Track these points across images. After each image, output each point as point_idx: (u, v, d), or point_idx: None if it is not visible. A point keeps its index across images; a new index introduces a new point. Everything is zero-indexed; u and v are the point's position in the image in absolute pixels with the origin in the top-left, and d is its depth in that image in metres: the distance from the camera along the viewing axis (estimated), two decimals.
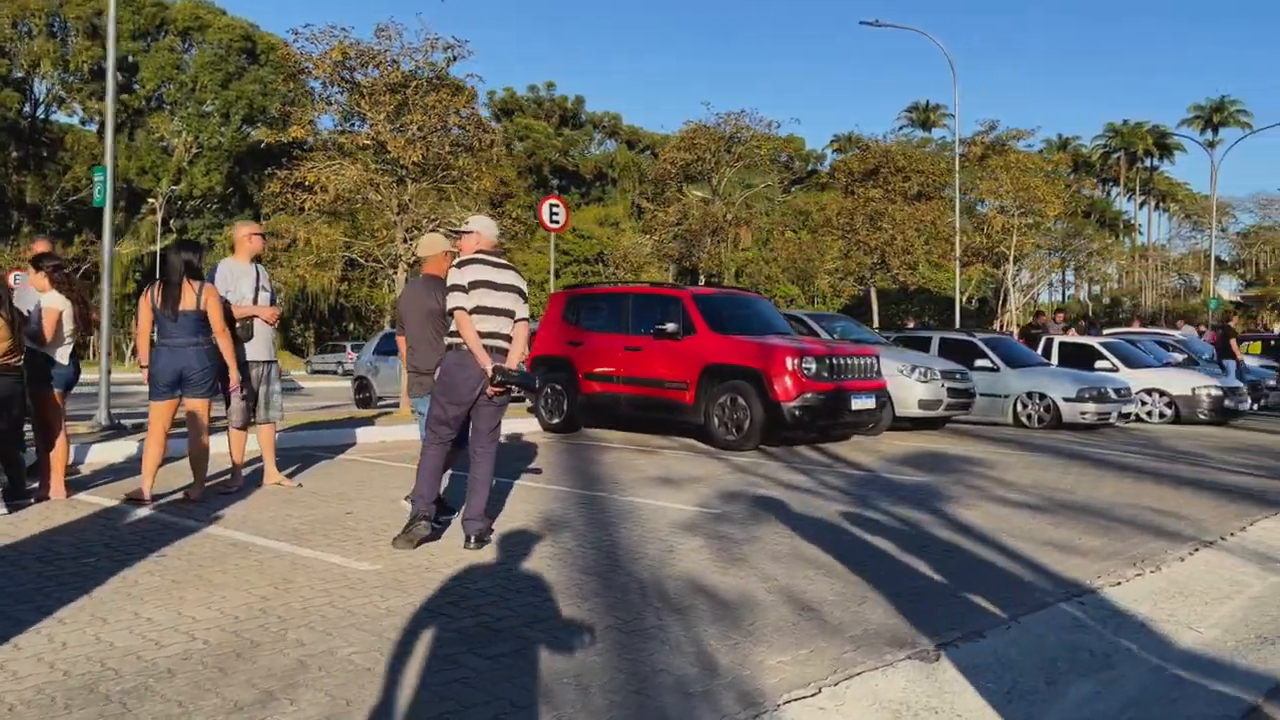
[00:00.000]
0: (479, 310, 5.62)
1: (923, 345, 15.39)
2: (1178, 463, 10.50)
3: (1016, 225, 29.78)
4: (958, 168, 26.10)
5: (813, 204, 56.06)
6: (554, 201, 15.38)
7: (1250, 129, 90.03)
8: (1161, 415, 15.74)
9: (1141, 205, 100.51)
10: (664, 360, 11.47)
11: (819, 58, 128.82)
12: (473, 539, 5.67)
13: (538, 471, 9.05)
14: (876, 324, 36.35)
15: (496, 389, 5.72)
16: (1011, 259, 30.39)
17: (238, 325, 7.35)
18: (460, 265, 5.75)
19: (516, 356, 5.82)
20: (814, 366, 10.68)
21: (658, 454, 10.51)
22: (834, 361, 10.92)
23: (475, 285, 5.65)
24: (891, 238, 29.51)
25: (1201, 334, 23.97)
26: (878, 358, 11.58)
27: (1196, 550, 6.13)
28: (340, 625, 4.15)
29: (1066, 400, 14.05)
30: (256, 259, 7.64)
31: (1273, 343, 23.47)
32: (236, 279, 7.43)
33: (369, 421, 12.67)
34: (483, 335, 5.63)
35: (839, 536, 6.25)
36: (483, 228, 5.95)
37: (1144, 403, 15.90)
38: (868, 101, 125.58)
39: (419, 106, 15.03)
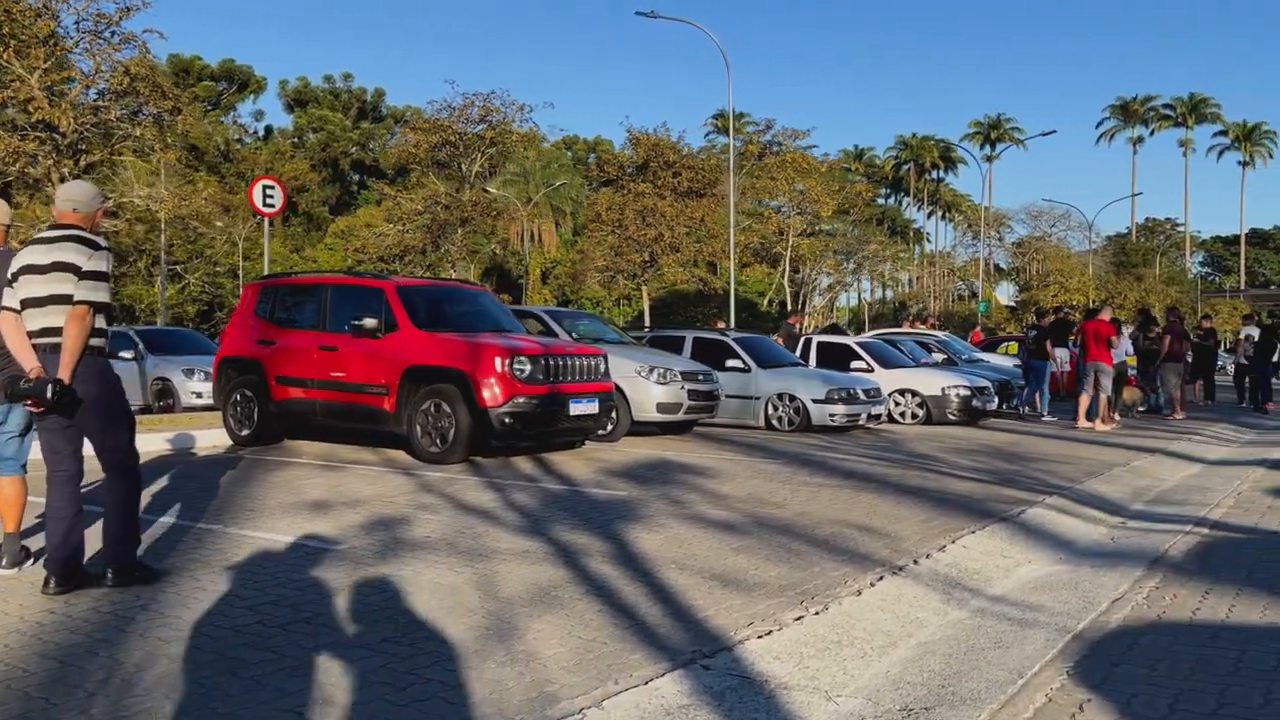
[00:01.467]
0: (27, 304, 4.57)
1: (676, 345, 14.56)
2: (910, 468, 9.93)
3: (793, 224, 29.69)
4: (734, 165, 25.73)
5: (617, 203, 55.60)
6: (268, 183, 13.58)
7: (1024, 145, 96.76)
8: (914, 416, 15.54)
9: (930, 215, 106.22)
10: (362, 361, 10.00)
11: (632, 63, 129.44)
12: (50, 581, 4.67)
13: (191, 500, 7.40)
14: (648, 324, 35.87)
15: (32, 403, 4.55)
16: (788, 259, 30.32)
17: None
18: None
19: (68, 355, 4.49)
20: (527, 368, 9.48)
21: (342, 471, 9.03)
22: (551, 362, 9.76)
23: (20, 274, 4.59)
24: (659, 234, 28.75)
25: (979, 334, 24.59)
26: (604, 358, 10.51)
27: (881, 579, 5.27)
28: None
29: (815, 402, 13.50)
30: None
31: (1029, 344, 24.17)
32: None
33: None
34: (33, 335, 4.56)
35: (465, 582, 5.02)
36: (74, 197, 4.79)
37: (897, 403, 15.66)
38: (682, 112, 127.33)
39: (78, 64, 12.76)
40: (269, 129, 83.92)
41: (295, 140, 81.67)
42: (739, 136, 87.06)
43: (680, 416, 11.95)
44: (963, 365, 19.73)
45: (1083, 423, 15.34)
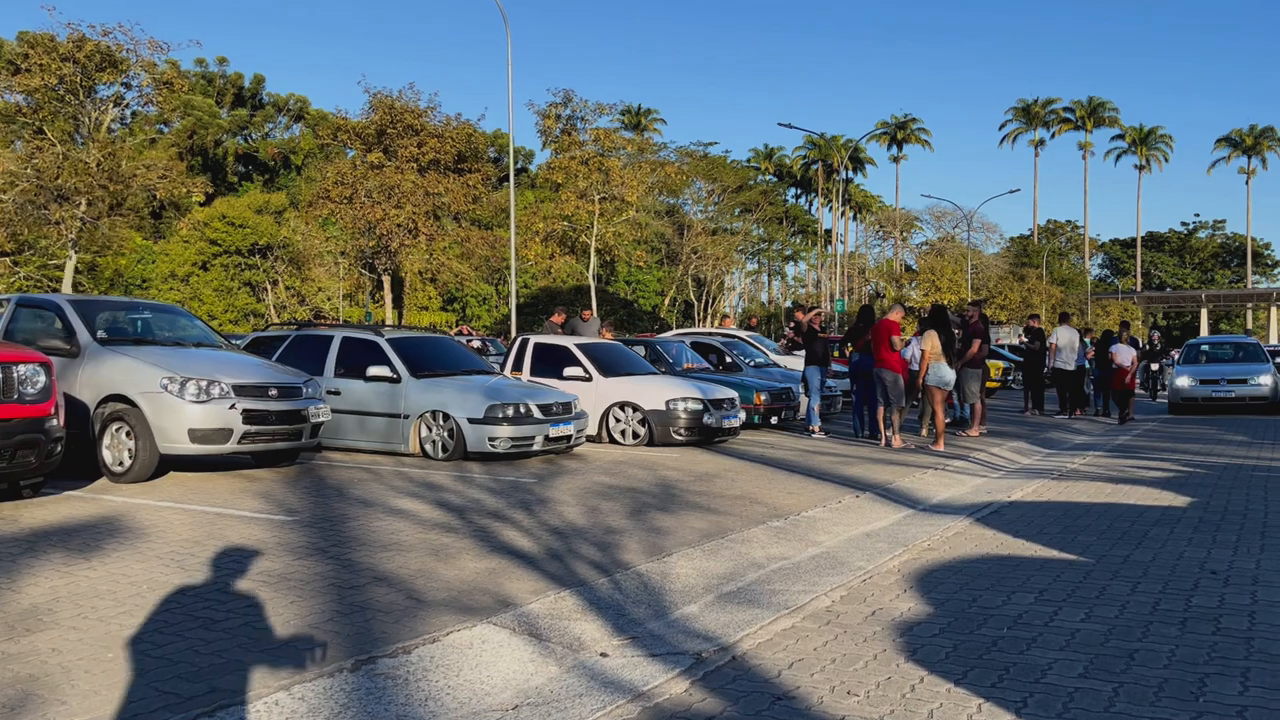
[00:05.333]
0: None
1: (321, 350, 11.43)
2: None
3: (597, 210, 26.59)
4: (513, 147, 22.53)
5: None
6: None
7: (929, 146, 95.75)
8: (635, 435, 12.60)
9: (841, 215, 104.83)
10: None
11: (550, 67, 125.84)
12: None
13: None
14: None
15: None
16: (593, 249, 27.23)
17: None
18: None
19: None
20: None
21: None
22: None
23: None
24: (384, 213, 25.06)
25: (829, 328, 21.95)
26: (40, 366, 7.25)
27: None
28: None
29: (472, 422, 10.46)
30: None
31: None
32: None
33: None
34: None
35: None
36: None
37: (617, 419, 12.72)
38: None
39: None
40: (135, 114, 78.59)
41: (160, 126, 76.47)
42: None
43: (231, 447, 8.75)
44: (748, 371, 17.04)
45: (896, 441, 12.81)
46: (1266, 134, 79.26)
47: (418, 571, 5.61)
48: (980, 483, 10.12)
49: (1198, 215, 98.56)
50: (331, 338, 11.64)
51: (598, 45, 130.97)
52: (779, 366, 17.91)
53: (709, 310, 68.55)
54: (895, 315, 13.57)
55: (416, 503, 7.90)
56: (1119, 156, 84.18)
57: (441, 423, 10.68)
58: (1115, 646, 4.34)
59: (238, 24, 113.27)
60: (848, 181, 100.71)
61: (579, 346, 13.33)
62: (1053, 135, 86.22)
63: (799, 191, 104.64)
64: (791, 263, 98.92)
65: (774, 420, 15.14)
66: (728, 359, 17.33)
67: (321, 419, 9.65)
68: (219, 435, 8.65)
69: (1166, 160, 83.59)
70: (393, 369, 10.99)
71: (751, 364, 17.47)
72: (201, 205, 72.38)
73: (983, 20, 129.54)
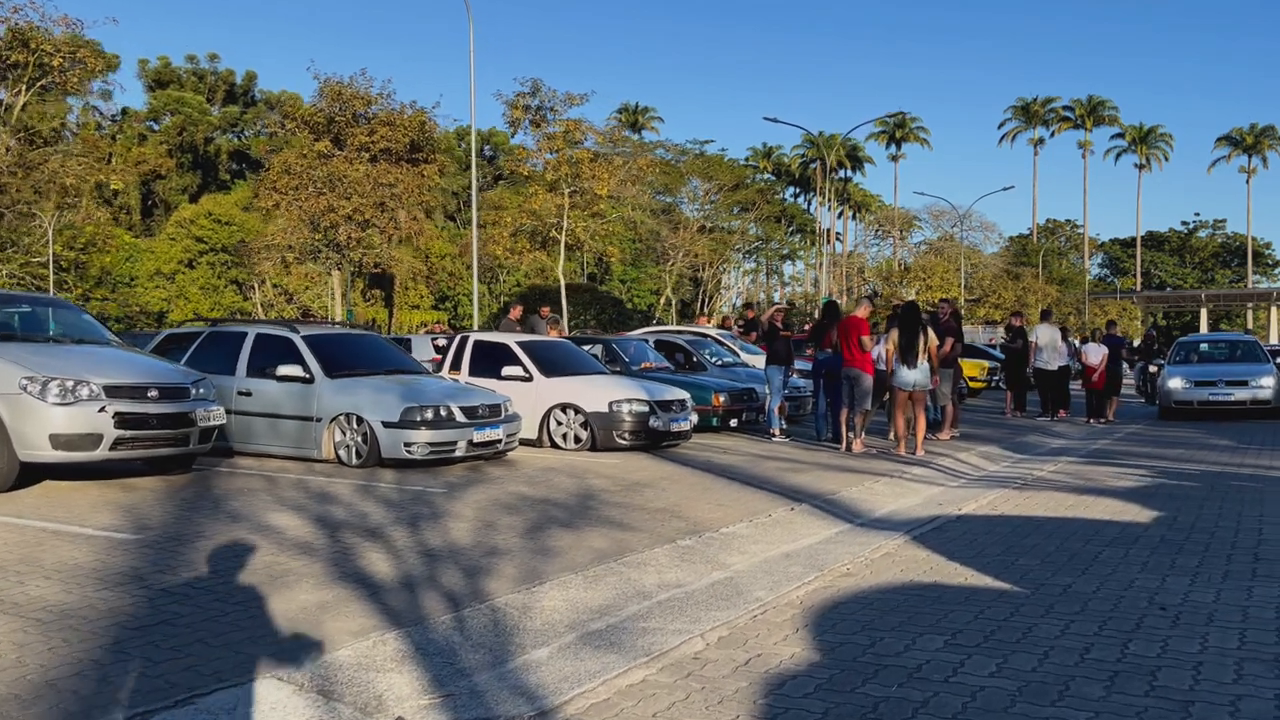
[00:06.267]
0: None
1: (234, 347, 10.65)
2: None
3: (567, 204, 25.67)
4: (474, 131, 21.61)
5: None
6: None
7: (928, 144, 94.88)
8: (577, 440, 11.79)
9: (840, 215, 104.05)
10: None
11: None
12: None
13: None
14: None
15: None
16: (563, 244, 26.28)
17: None
18: None
19: None
20: None
21: None
22: None
23: None
24: (329, 205, 24.03)
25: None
26: None
27: None
28: None
29: (387, 426, 9.65)
30: None
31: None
32: None
33: None
34: None
35: None
36: None
37: (559, 422, 11.91)
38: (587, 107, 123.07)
39: None
40: (124, 111, 77.97)
41: (150, 123, 75.84)
42: (650, 133, 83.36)
43: (102, 454, 7.94)
44: (713, 370, 16.23)
45: (858, 445, 12.05)
46: (1267, 133, 78.30)
47: (238, 604, 4.81)
48: (936, 492, 9.29)
49: (1198, 214, 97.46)
50: (245, 334, 10.84)
51: (597, 45, 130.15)
52: (747, 366, 17.10)
53: (705, 309, 67.76)
54: (862, 312, 12.76)
55: (293, 518, 7.10)
56: (1119, 155, 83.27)
57: (355, 426, 9.88)
58: (1021, 713, 3.52)
59: (230, 20, 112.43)
60: (846, 181, 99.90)
61: (520, 344, 12.52)
62: (1052, 134, 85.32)
63: (798, 191, 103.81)
64: (789, 262, 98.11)
65: (734, 423, 14.32)
66: (694, 359, 16.54)
67: (214, 423, 8.86)
68: (86, 441, 7.85)
69: (1166, 159, 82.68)
70: (305, 368, 10.19)
71: (718, 363, 16.65)
72: (190, 202, 71.60)
73: (982, 19, 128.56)
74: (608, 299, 56.42)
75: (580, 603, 5.12)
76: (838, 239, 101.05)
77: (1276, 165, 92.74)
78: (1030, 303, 47.42)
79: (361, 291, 68.62)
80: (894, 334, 11.92)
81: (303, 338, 10.53)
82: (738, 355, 17.80)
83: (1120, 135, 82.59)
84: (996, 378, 25.36)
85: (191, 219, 60.40)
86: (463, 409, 10.02)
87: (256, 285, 57.28)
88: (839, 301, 58.02)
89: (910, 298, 45.85)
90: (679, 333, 18.97)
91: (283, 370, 10.17)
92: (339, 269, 27.69)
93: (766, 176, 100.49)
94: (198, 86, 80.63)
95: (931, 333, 12.01)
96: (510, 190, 48.02)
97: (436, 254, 60.89)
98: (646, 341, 16.83)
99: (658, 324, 49.92)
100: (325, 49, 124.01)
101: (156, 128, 77.16)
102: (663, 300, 67.09)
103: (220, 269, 58.70)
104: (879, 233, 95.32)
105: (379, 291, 68.74)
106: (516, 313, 16.98)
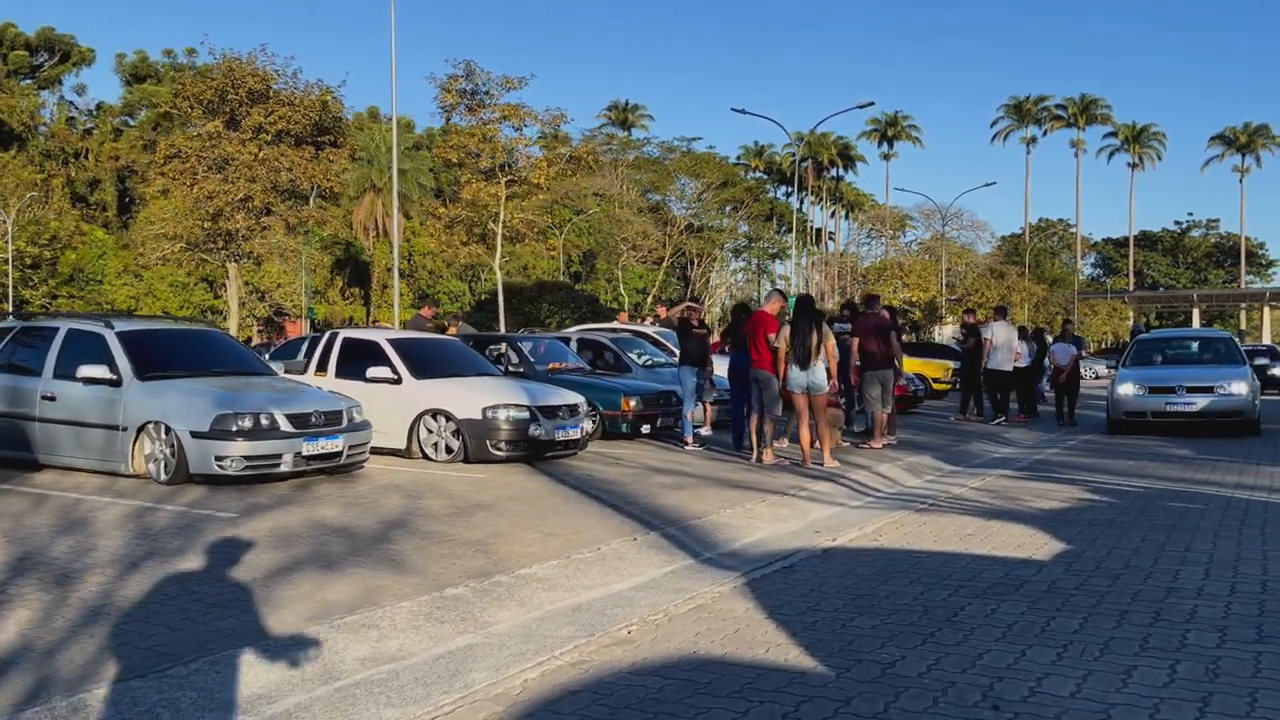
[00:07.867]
0: None
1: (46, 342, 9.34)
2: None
3: (503, 194, 24.31)
4: (396, 121, 20.25)
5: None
6: None
7: (920, 143, 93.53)
8: (449, 450, 10.45)
9: (832, 214, 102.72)
10: None
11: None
12: None
13: None
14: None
15: None
16: (500, 235, 24.85)
17: None
18: None
19: None
20: None
21: None
22: None
23: None
24: (216, 188, 22.44)
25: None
26: None
27: None
28: None
29: (197, 436, 8.33)
30: None
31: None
32: None
33: None
34: None
35: None
36: None
37: (429, 430, 10.58)
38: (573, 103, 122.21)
39: None
40: (100, 106, 76.76)
41: (125, 118, 74.58)
42: (639, 130, 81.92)
43: None
44: (636, 372, 14.91)
45: (768, 455, 10.76)
46: (1260, 132, 77.01)
47: None
48: (824, 515, 7.97)
49: (1191, 214, 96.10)
50: (56, 330, 9.51)
51: (596, 44, 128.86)
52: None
53: (637, 308, 66.53)
54: (771, 307, 11.45)
55: (3, 551, 5.79)
56: (1112, 154, 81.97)
57: (163, 436, 8.56)
58: None
59: (224, 16, 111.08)
60: (838, 180, 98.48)
61: (391, 342, 11.18)
62: (1045, 133, 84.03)
63: (789, 189, 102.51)
64: (779, 260, 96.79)
65: (646, 429, 12.98)
66: (621, 359, 15.21)
67: None
68: None
69: (1159, 158, 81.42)
70: (114, 368, 8.86)
71: (647, 364, 15.32)
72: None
73: (975, 18, 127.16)
74: (582, 297, 54.97)
75: (218, 695, 3.79)
76: (830, 238, 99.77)
77: (1270, 165, 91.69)
78: (1015, 301, 46.14)
79: (340, 289, 67.17)
80: (785, 331, 10.56)
81: (117, 334, 9.18)
82: (675, 355, 16.48)
83: (1113, 134, 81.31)
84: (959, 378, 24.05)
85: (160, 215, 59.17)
86: (289, 416, 8.69)
87: (226, 283, 56.01)
88: (814, 298, 56.62)
89: (891, 299, 44.61)
90: (617, 330, 17.65)
91: (86, 371, 8.84)
92: (235, 261, 26.27)
93: (758, 175, 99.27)
94: (174, 80, 79.33)
95: (829, 331, 10.68)
96: (449, 178, 46.18)
97: (419, 251, 59.67)
98: (567, 341, 15.53)
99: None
100: (325, 49, 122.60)
101: (132, 122, 75.85)
102: (649, 299, 65.82)
103: (190, 266, 57.53)
104: (871, 232, 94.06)
105: (357, 290, 67.47)
106: (429, 311, 15.65)
